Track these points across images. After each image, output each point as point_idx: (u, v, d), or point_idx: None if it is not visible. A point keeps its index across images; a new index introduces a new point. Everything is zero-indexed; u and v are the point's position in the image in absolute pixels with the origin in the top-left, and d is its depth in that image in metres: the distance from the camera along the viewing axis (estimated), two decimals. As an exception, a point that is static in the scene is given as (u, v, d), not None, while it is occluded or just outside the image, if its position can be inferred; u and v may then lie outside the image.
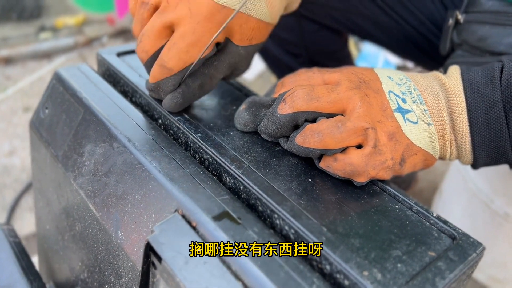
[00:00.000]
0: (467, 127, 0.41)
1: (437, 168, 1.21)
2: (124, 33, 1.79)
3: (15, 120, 1.31)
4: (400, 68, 1.63)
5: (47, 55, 1.62)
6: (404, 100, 0.41)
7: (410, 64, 1.62)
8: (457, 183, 0.93)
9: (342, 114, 0.39)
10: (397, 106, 0.40)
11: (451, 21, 0.56)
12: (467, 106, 0.41)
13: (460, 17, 0.55)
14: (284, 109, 0.39)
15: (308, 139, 0.38)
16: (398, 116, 0.40)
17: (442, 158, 0.44)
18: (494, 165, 0.44)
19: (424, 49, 0.70)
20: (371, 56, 1.64)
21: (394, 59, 1.64)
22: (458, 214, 0.92)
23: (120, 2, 1.54)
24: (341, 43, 0.86)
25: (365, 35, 0.75)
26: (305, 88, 0.39)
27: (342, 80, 0.40)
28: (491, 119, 0.40)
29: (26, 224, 1.00)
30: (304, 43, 0.81)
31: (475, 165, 0.44)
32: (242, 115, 0.42)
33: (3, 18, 1.73)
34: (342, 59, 0.86)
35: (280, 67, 0.87)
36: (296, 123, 0.39)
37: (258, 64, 1.57)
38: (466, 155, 0.43)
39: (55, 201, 0.49)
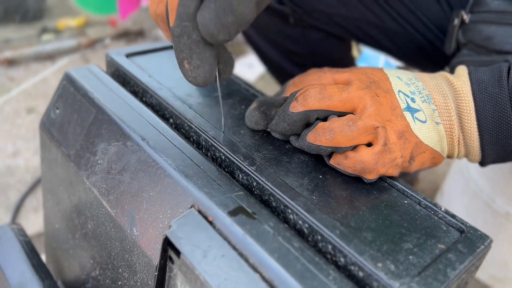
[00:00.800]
0: (475, 126, 0.42)
1: (439, 169, 1.22)
2: (127, 35, 1.80)
3: (18, 121, 1.32)
4: (401, 68, 1.64)
5: (50, 57, 1.62)
6: (413, 100, 0.42)
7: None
8: (458, 183, 0.94)
9: (352, 113, 0.40)
10: (406, 106, 0.41)
11: (456, 21, 0.57)
12: (475, 106, 0.42)
13: (466, 17, 0.56)
14: (296, 107, 0.39)
15: (319, 137, 0.38)
16: (408, 115, 0.40)
17: (450, 156, 0.45)
18: (501, 163, 0.45)
19: (428, 54, 0.71)
20: (372, 57, 1.65)
21: (395, 61, 1.65)
22: (460, 214, 0.92)
23: (122, 4, 1.55)
24: (345, 50, 0.87)
25: (370, 41, 0.75)
26: (317, 87, 0.40)
27: (353, 79, 0.41)
28: (499, 118, 0.41)
29: (30, 225, 1.00)
30: (309, 53, 0.82)
31: (483, 163, 0.45)
32: (253, 113, 0.43)
33: (6, 20, 1.73)
34: (346, 65, 0.87)
35: (285, 76, 0.88)
36: (308, 121, 0.40)
37: (260, 66, 1.58)
38: (475, 154, 0.44)
39: (65, 200, 0.50)
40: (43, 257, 0.64)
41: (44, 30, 1.73)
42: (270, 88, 1.55)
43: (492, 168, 0.81)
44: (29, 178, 1.12)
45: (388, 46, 0.74)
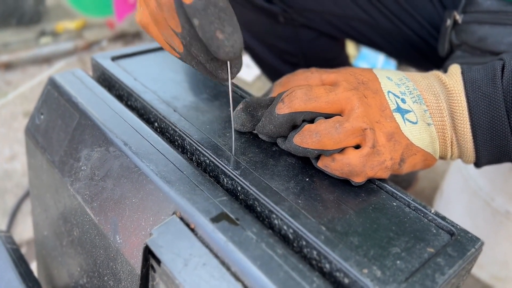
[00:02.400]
0: (469, 126, 0.41)
1: (438, 167, 1.21)
2: (124, 37, 1.79)
3: (15, 125, 1.31)
4: (401, 67, 1.62)
5: (47, 60, 1.62)
6: (403, 100, 0.40)
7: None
8: (457, 182, 0.92)
9: (340, 115, 0.39)
10: (396, 107, 0.40)
11: (449, 22, 0.56)
12: (468, 106, 0.40)
13: (458, 18, 0.55)
14: (282, 109, 0.38)
15: (306, 139, 0.38)
16: (398, 116, 0.39)
17: (443, 158, 0.44)
18: (497, 164, 0.44)
19: (423, 52, 0.70)
20: (371, 56, 1.63)
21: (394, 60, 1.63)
22: (459, 213, 0.91)
23: (119, 6, 1.54)
24: (339, 49, 0.86)
25: (364, 40, 0.74)
26: (303, 88, 0.39)
27: (340, 80, 0.40)
28: (492, 118, 0.40)
29: (27, 229, 1.00)
30: (301, 52, 0.81)
31: (477, 164, 0.44)
32: (239, 115, 0.42)
33: (3, 23, 1.73)
34: (339, 65, 0.85)
35: (277, 75, 0.87)
36: (294, 123, 0.39)
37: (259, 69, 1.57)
38: (468, 155, 0.43)
39: (52, 207, 0.49)
40: (35, 264, 0.64)
41: (42, 33, 1.72)
42: (268, 88, 1.54)
43: (491, 166, 0.80)
44: (26, 182, 1.11)
45: (381, 44, 0.73)
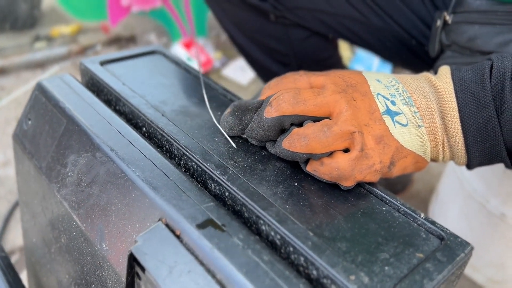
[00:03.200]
0: (459, 127, 0.40)
1: (434, 169, 1.20)
2: (118, 41, 1.79)
3: (9, 130, 1.30)
4: (396, 70, 1.62)
5: (41, 65, 1.61)
6: (393, 103, 0.40)
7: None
8: (453, 183, 0.92)
9: (329, 118, 0.38)
10: (386, 109, 0.39)
11: (439, 22, 0.56)
12: (458, 106, 0.40)
13: (448, 18, 0.55)
14: (270, 112, 0.38)
15: (294, 143, 0.37)
16: (387, 118, 0.39)
17: (434, 160, 0.43)
18: (489, 165, 0.44)
19: (416, 52, 0.70)
20: (366, 58, 1.63)
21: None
22: (455, 215, 0.91)
23: (112, 10, 1.54)
24: (331, 50, 0.85)
25: (356, 40, 0.74)
26: (291, 92, 0.38)
27: (328, 83, 0.39)
28: (483, 118, 0.40)
29: (20, 235, 0.99)
30: (293, 52, 0.80)
31: (469, 166, 0.44)
32: (227, 119, 0.42)
33: (-1, 28, 1.73)
34: (332, 66, 0.85)
35: (270, 76, 0.86)
36: (283, 126, 0.39)
37: (251, 70, 1.57)
38: (460, 156, 0.42)
39: (40, 214, 0.48)
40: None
41: (37, 38, 1.72)
42: (257, 91, 1.53)
43: (486, 168, 0.80)
44: (19, 188, 1.11)
45: (373, 44, 0.72)
